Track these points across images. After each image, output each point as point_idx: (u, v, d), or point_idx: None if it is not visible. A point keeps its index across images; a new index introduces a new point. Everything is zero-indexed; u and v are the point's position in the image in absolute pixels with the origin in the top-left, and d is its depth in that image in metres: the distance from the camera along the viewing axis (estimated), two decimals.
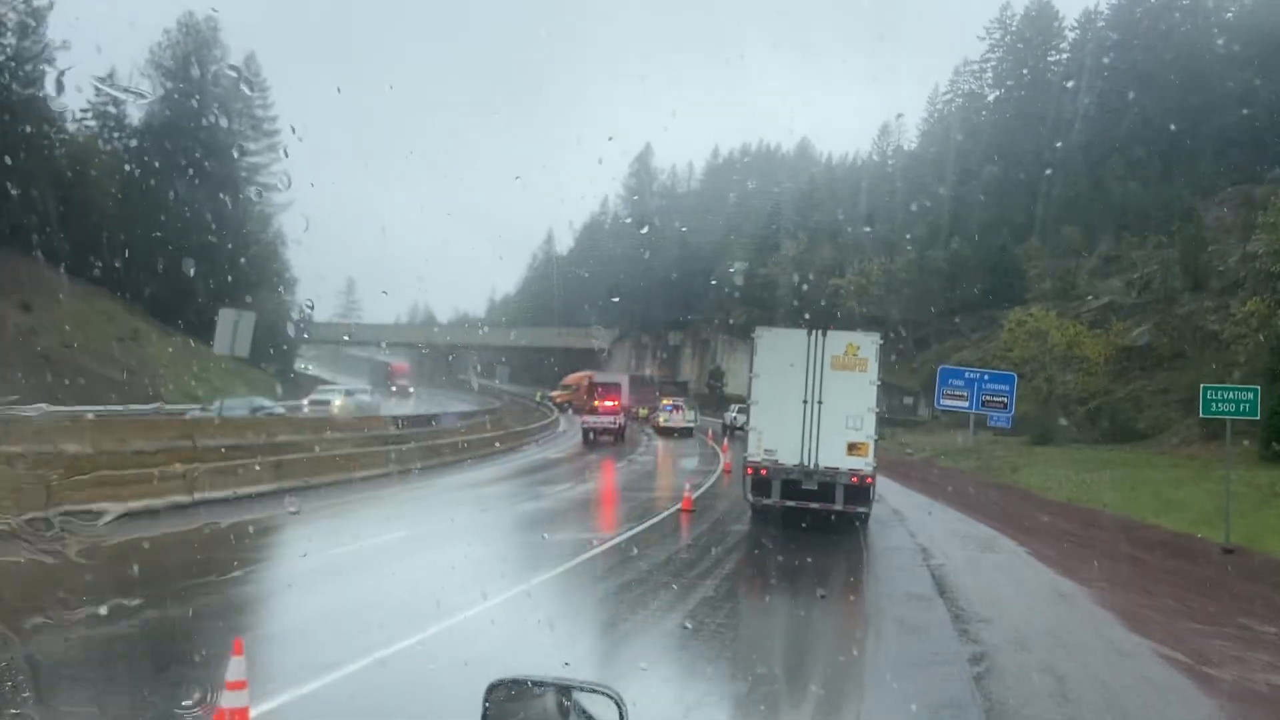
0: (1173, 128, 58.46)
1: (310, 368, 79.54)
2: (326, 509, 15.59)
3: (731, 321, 55.93)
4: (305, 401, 34.37)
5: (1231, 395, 15.57)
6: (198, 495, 14.55)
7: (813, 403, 15.40)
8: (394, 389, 62.68)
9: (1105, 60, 63.70)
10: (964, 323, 51.14)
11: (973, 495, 23.21)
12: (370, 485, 18.20)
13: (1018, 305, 47.32)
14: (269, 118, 59.13)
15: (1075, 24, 66.63)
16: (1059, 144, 59.71)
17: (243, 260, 52.76)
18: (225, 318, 18.98)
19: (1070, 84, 63.12)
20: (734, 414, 41.63)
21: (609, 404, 34.83)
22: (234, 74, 56.87)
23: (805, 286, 53.08)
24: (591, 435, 34.02)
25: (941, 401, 36.93)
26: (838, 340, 15.64)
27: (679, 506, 16.66)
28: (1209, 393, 15.82)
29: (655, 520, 15.60)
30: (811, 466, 15.08)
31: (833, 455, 15.07)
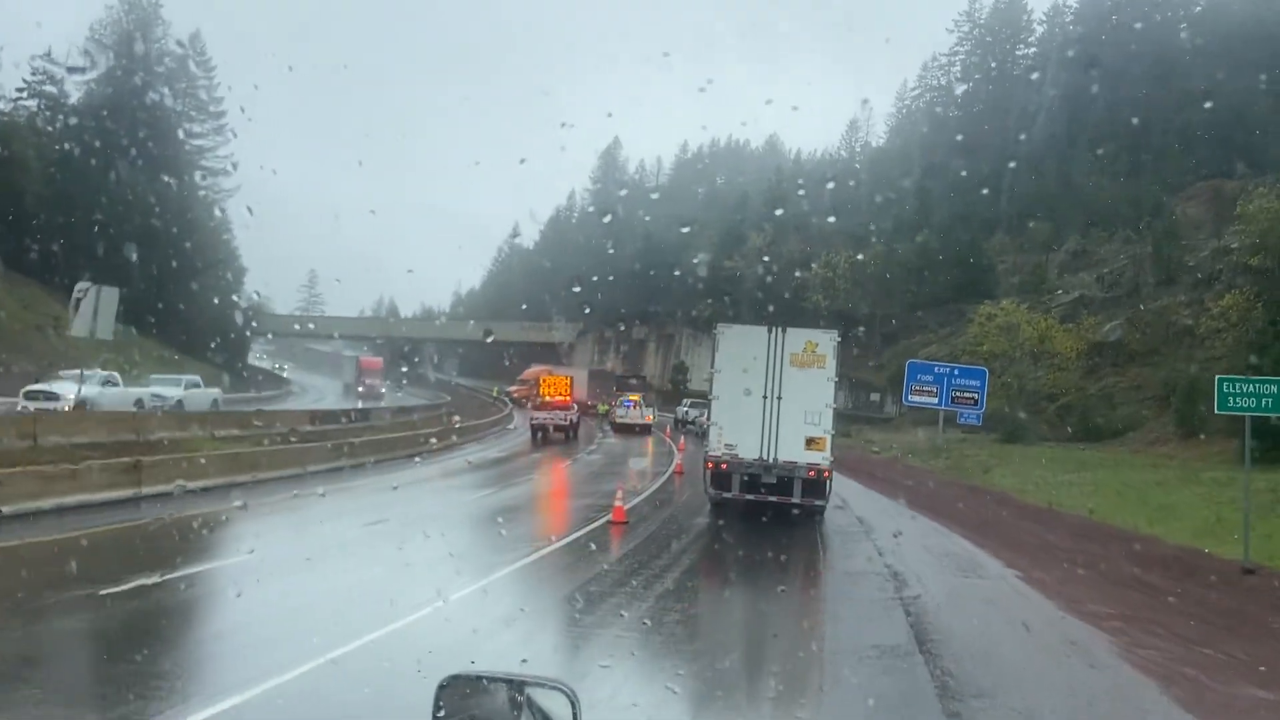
0: (1135, 121, 56.53)
1: (280, 365, 75.20)
2: (183, 522, 12.58)
3: (695, 315, 53.28)
4: (19, 397, 21.31)
5: (1252, 389, 12.97)
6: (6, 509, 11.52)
7: (772, 398, 15.44)
8: (362, 388, 54.95)
9: (1072, 54, 61.76)
10: (932, 317, 48.89)
11: (946, 499, 20.62)
12: (251, 491, 15.18)
13: (987, 300, 45.08)
14: (215, 98, 55.52)
15: (1043, 18, 64.75)
16: (1025, 138, 57.74)
17: (187, 246, 49.15)
18: (84, 297, 15.70)
19: (1037, 77, 61.06)
20: (686, 409, 40.78)
21: (559, 399, 31.88)
22: (180, 50, 53.27)
23: (770, 279, 50.58)
24: (540, 433, 31.07)
25: (909, 398, 34.34)
26: (797, 337, 15.71)
27: (608, 519, 13.86)
28: (1225, 385, 13.22)
29: (571, 539, 12.77)
30: (771, 461, 15.14)
31: (791, 450, 15.14)
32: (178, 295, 46.54)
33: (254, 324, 60.68)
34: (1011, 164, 56.19)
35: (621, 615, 8.59)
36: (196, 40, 54.12)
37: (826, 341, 15.71)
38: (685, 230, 67.77)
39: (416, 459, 23.41)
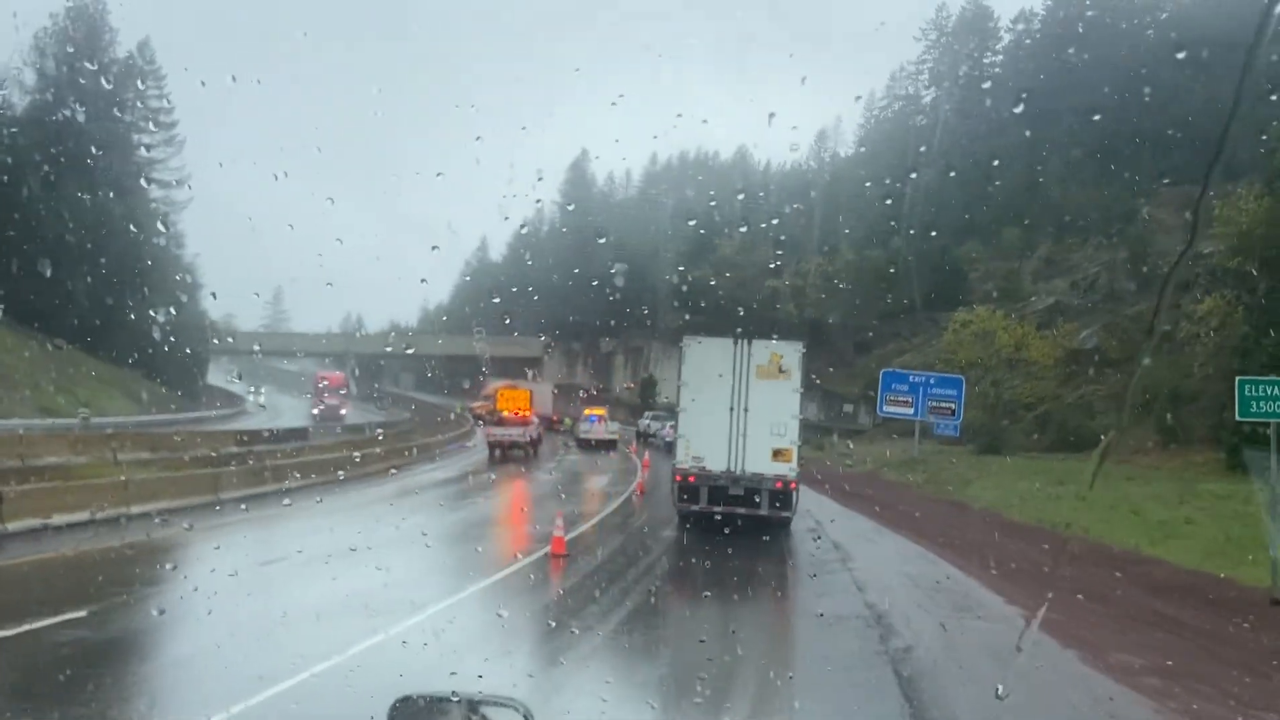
0: (1104, 126, 55.72)
1: (257, 388, 71.38)
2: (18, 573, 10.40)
3: (665, 327, 51.42)
4: None
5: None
6: None
7: (739, 410, 15.36)
8: (319, 408, 50.64)
9: (1037, 62, 60.95)
10: (905, 326, 47.38)
11: (927, 518, 18.80)
12: (139, 525, 12.98)
13: (961, 307, 43.63)
14: (166, 108, 52.91)
15: (1010, 25, 63.92)
16: (994, 145, 56.75)
17: (134, 261, 46.54)
18: None
19: (1004, 84, 60.19)
20: (648, 421, 40.02)
21: (517, 414, 29.74)
22: (132, 60, 50.65)
23: (740, 289, 48.86)
24: (497, 451, 28.89)
25: (884, 408, 32.70)
26: (762, 349, 15.65)
27: (547, 550, 11.85)
28: (1246, 388, 11.46)
29: (497, 578, 10.73)
30: (738, 472, 15.12)
31: (758, 462, 15.12)
32: (123, 312, 43.98)
33: (214, 341, 57.82)
34: (980, 171, 55.28)
35: (530, 677, 6.61)
36: (145, 48, 51.58)
37: (791, 353, 15.69)
38: (654, 244, 66.04)
39: (355, 480, 21.24)
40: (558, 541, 11.90)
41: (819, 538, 14.74)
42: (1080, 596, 11.17)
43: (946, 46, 64.78)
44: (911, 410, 31.90)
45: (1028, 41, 61.31)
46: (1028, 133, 58.19)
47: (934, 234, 52.41)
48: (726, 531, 13.28)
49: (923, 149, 60.19)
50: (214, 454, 19.98)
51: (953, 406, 31.55)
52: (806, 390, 16.38)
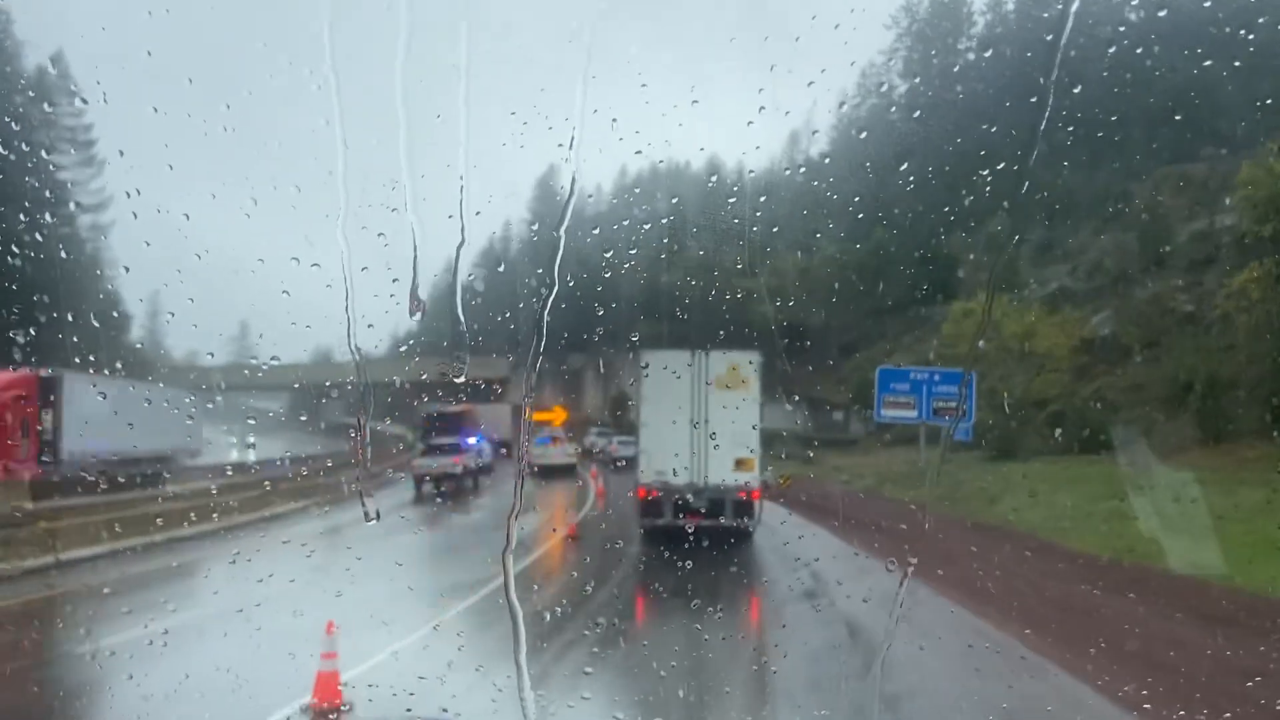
0: (1076, 90, 50.90)
1: (250, 441, 65.09)
2: None
3: (634, 339, 45.99)
4: None
5: None
6: None
7: (700, 422, 15.01)
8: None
9: (1015, 45, 56.25)
10: (893, 325, 42.07)
11: (965, 557, 13.11)
12: None
13: (954, 300, 38.33)
14: (83, 125, 47.07)
15: (985, 8, 59.31)
16: (977, 133, 51.88)
17: (46, 289, 40.49)
18: None
19: (981, 68, 55.51)
20: (593, 438, 39.17)
21: (448, 442, 23.99)
22: (52, 72, 45.06)
23: (713, 293, 43.37)
24: (420, 485, 23.05)
25: (883, 412, 27.16)
26: (720, 360, 15.71)
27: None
28: None
29: None
30: (701, 484, 15.05)
31: (720, 473, 15.03)
32: (37, 346, 38.11)
33: (163, 374, 51.77)
34: (963, 161, 50.39)
35: None
36: (59, 61, 45.74)
37: (748, 363, 15.53)
38: (623, 255, 60.44)
39: (199, 537, 15.47)
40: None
41: (829, 621, 9.02)
42: None
43: (919, 34, 60.06)
44: (914, 413, 26.39)
45: (1003, 24, 56.77)
46: (1010, 118, 53.79)
47: (919, 225, 47.43)
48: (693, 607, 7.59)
49: (898, 143, 55.54)
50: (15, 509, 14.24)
51: (961, 406, 26.04)
52: (791, 400, 16.24)
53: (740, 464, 14.94)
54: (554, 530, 17.07)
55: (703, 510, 14.53)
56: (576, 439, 36.25)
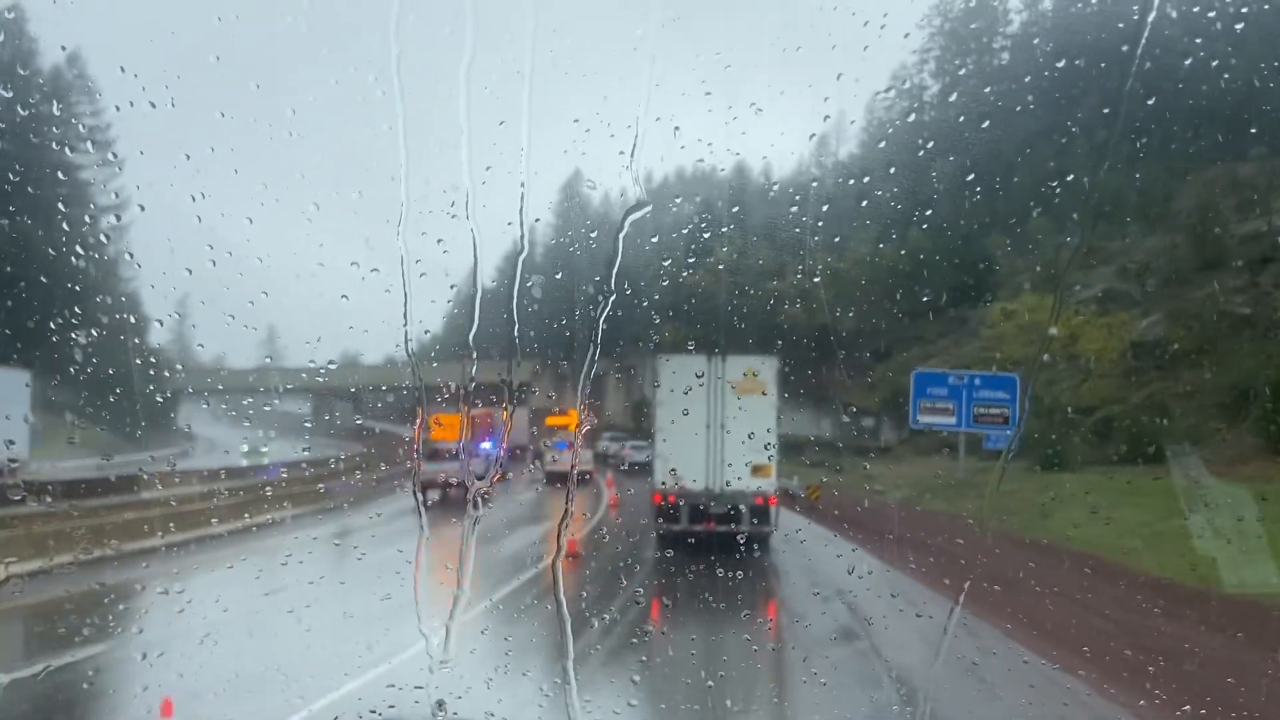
0: (1131, 107, 48.36)
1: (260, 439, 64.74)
2: None
3: (657, 341, 44.43)
4: None
5: None
6: None
7: (715, 427, 14.88)
8: None
9: (1053, 44, 54.21)
10: (929, 328, 40.08)
11: (1024, 588, 11.28)
12: None
13: (993, 302, 36.36)
14: (101, 125, 46.39)
15: (1021, 5, 57.16)
16: (1011, 130, 49.85)
17: (60, 292, 40.01)
18: None
19: (1017, 67, 53.41)
20: (606, 443, 38.81)
21: (449, 448, 22.38)
22: (71, 73, 44.59)
23: (740, 295, 41.86)
24: (424, 492, 21.43)
25: (919, 418, 25.26)
26: (737, 365, 15.19)
27: None
28: None
29: None
30: (718, 490, 14.82)
31: (737, 478, 14.79)
32: (46, 350, 37.46)
33: (181, 379, 51.24)
34: (999, 161, 48.43)
35: None
36: (76, 60, 45.10)
37: (767, 367, 15.20)
38: (647, 258, 59.01)
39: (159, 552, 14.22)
40: None
41: (864, 654, 7.36)
42: None
43: (951, 33, 58.02)
44: (954, 420, 24.48)
45: (1040, 21, 54.60)
46: (1047, 117, 51.69)
47: (954, 227, 45.40)
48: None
49: (931, 143, 53.57)
50: None
51: (1005, 413, 24.06)
52: (819, 405, 15.68)
53: (757, 470, 14.76)
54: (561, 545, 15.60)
55: (719, 516, 14.31)
56: (590, 444, 34.84)
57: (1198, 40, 48.64)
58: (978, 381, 24.89)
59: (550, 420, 31.34)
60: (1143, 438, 28.14)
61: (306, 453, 44.43)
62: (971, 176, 48.76)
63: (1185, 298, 33.24)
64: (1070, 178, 49.72)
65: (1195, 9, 48.57)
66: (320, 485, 22.72)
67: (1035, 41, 53.73)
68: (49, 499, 19.30)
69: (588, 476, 28.43)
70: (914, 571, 12.10)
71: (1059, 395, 29.79)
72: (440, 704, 4.73)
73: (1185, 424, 29.00)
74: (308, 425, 48.55)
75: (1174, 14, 53.45)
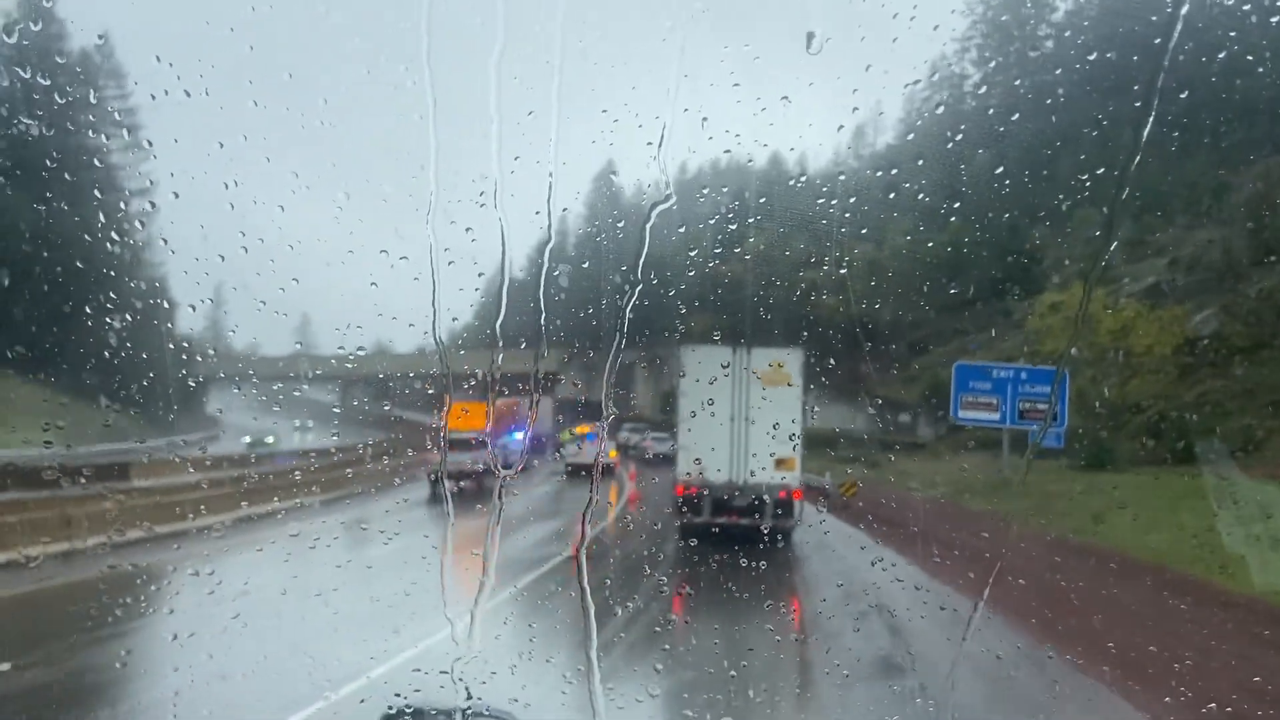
0: (1181, 96, 46.84)
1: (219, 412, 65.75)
2: None
3: (683, 331, 44.00)
4: None
5: None
6: None
7: (740, 419, 14.99)
8: None
9: (1099, 31, 52.59)
10: (969, 320, 39.17)
11: (1094, 596, 10.66)
12: None
13: (1039, 294, 35.39)
14: (129, 109, 46.64)
15: None
16: (1055, 121, 48.55)
17: (91, 279, 40.32)
18: None
19: (1063, 55, 52.07)
20: (627, 434, 38.71)
21: (476, 437, 21.92)
22: (97, 54, 44.74)
23: (773, 286, 41.14)
24: (439, 484, 21.00)
25: (960, 413, 24.55)
26: (762, 356, 15.47)
27: None
28: None
29: None
30: (741, 483, 14.95)
31: (761, 471, 14.81)
32: (80, 334, 37.78)
33: (214, 364, 51.88)
34: (1044, 151, 47.20)
35: None
36: (105, 45, 45.25)
37: (792, 358, 15.20)
38: (678, 248, 58.62)
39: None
40: None
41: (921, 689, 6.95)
42: None
43: (993, 20, 56.69)
44: (996, 415, 23.76)
45: (1088, 8, 53.13)
46: (1094, 107, 50.38)
47: (996, 218, 44.28)
48: None
49: (970, 134, 52.36)
50: None
51: (1054, 408, 23.23)
52: (853, 399, 15.53)
53: (781, 463, 14.50)
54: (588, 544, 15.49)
55: (742, 509, 14.07)
56: (612, 434, 34.62)
57: (1250, 27, 47.06)
58: (1024, 375, 24.15)
59: (575, 430, 31.40)
60: (1195, 437, 27.16)
61: (335, 439, 44.93)
62: (1011, 167, 47.67)
63: (1240, 293, 32.07)
64: (1116, 170, 48.62)
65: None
66: (348, 470, 22.69)
67: (1085, 24, 52.34)
68: (84, 481, 19.61)
69: (613, 468, 28.13)
70: (938, 566, 11.67)
71: (1106, 392, 28.87)
72: (467, 690, 4.45)
73: (1239, 424, 27.94)
74: (336, 411, 49.15)
75: (1229, 1, 51.91)
